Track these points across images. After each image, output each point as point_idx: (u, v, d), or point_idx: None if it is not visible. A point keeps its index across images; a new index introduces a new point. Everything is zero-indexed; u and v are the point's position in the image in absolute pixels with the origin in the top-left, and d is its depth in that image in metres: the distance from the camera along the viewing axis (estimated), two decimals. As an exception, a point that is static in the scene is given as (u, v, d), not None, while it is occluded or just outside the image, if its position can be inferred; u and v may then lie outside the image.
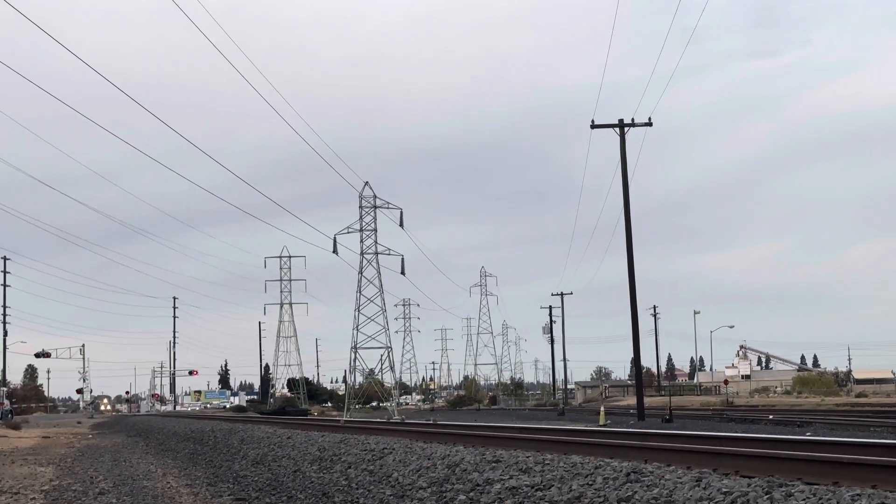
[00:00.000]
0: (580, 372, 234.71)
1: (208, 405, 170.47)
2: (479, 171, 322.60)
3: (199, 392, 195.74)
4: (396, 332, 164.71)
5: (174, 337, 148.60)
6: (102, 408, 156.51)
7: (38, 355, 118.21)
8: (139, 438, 42.05)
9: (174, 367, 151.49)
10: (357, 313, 77.50)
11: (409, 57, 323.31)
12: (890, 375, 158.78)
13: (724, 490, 8.33)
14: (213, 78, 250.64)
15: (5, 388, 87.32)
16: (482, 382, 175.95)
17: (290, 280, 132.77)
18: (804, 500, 7.47)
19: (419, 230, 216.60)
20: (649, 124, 48.05)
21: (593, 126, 48.03)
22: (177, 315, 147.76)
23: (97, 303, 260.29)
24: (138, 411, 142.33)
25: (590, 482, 10.15)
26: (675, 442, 14.65)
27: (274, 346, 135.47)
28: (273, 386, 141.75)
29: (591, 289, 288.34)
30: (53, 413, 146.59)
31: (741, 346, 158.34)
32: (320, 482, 15.46)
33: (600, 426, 34.08)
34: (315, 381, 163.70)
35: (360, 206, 77.28)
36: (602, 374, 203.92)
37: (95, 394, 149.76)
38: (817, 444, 12.66)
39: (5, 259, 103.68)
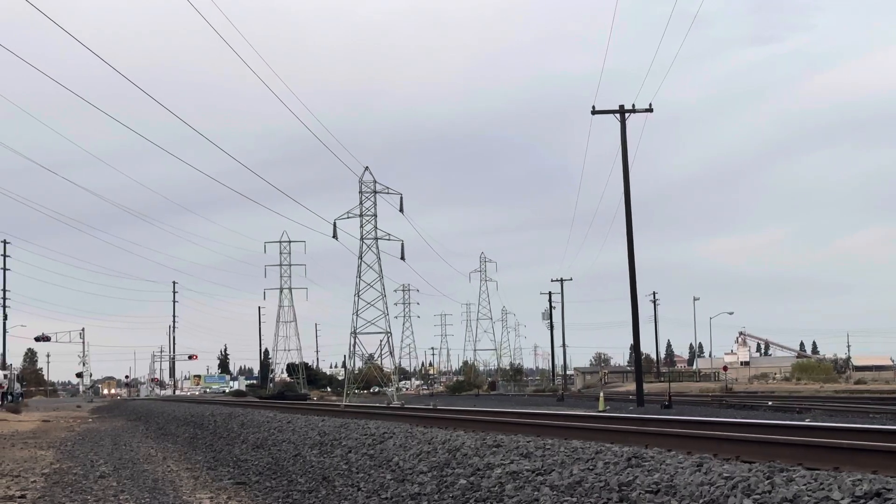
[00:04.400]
0: (579, 358, 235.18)
1: (208, 390, 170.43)
2: (480, 156, 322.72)
3: (199, 376, 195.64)
4: (396, 317, 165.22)
5: (174, 321, 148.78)
6: (105, 391, 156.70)
7: (38, 339, 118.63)
8: (139, 422, 42.13)
9: (174, 352, 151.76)
10: (357, 298, 77.43)
11: (409, 42, 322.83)
12: (889, 362, 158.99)
13: (726, 475, 8.33)
14: (215, 63, 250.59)
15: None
16: (481, 368, 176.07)
17: (290, 265, 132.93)
18: (805, 484, 7.47)
19: (419, 216, 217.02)
20: (650, 110, 47.95)
21: (594, 112, 47.95)
22: (177, 300, 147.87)
23: (97, 287, 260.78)
24: (138, 395, 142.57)
25: (591, 467, 10.16)
26: (675, 427, 14.65)
27: (273, 331, 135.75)
28: (272, 371, 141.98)
29: (591, 275, 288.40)
30: (53, 397, 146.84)
31: (740, 333, 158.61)
32: (321, 466, 15.48)
33: (600, 412, 34.13)
34: (314, 366, 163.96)
35: (360, 192, 77.10)
36: (601, 360, 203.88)
37: (95, 377, 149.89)
38: (817, 430, 12.67)
39: (5, 243, 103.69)
